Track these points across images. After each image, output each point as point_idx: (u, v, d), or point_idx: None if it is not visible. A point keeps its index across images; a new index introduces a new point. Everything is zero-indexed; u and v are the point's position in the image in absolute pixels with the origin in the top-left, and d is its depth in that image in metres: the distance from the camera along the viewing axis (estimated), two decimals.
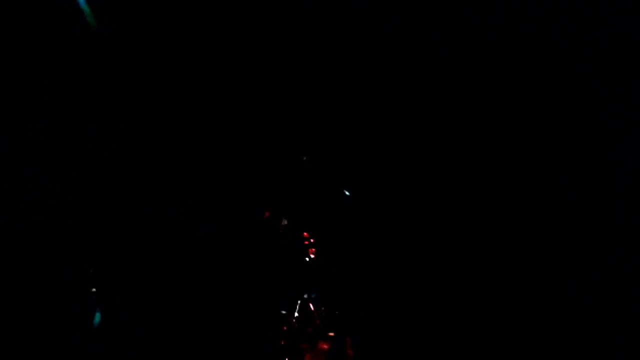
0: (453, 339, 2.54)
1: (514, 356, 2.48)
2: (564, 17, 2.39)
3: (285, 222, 2.77)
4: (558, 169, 2.58)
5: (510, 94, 2.59)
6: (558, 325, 2.48)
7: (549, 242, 2.56)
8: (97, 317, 2.22)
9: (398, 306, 2.65)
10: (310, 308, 2.85)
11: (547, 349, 2.46)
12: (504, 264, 2.59)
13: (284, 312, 2.74)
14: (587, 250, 2.51)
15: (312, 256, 2.77)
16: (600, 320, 2.45)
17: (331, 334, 2.74)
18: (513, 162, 2.63)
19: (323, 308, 2.85)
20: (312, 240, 2.78)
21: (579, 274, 2.51)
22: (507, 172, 2.64)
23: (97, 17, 2.42)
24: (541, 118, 2.58)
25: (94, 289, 2.24)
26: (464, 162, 2.68)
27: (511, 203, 2.63)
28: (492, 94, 2.61)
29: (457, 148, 2.68)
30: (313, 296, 2.89)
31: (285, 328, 2.67)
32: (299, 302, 2.80)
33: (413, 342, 2.57)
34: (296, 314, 2.78)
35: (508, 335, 2.50)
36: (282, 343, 2.55)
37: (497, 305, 2.56)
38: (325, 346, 2.67)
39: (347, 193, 2.66)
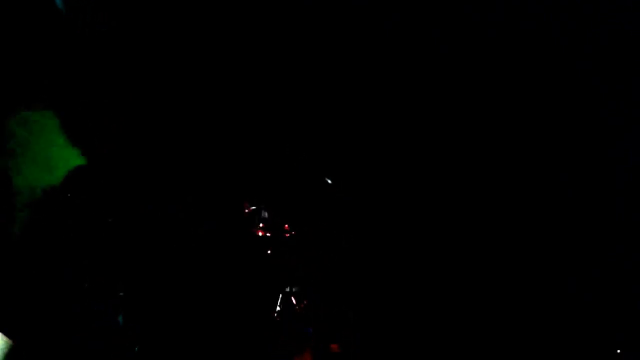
0: (446, 336, 2.54)
1: (514, 356, 2.48)
2: (563, 14, 2.40)
3: (265, 214, 2.75)
4: (558, 166, 2.58)
5: (510, 91, 2.60)
6: (558, 323, 2.48)
7: (548, 239, 2.56)
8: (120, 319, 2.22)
9: (383, 299, 2.64)
10: (292, 302, 2.83)
11: (548, 348, 2.46)
12: (503, 261, 2.59)
13: (265, 306, 2.72)
14: (586, 248, 2.52)
15: (291, 247, 2.74)
16: (600, 317, 2.46)
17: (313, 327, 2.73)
18: (513, 160, 2.64)
19: (305, 301, 2.83)
20: (293, 233, 2.75)
21: (579, 271, 2.51)
22: (507, 169, 2.64)
23: (67, 5, 2.41)
24: (541, 115, 2.58)
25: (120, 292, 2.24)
26: (462, 159, 2.68)
27: (511, 200, 2.63)
28: (492, 91, 2.61)
29: (456, 145, 2.69)
30: (294, 290, 2.86)
31: (267, 322, 2.66)
32: (280, 295, 2.78)
33: (401, 337, 2.56)
34: (278, 308, 2.76)
35: (507, 334, 2.50)
36: (265, 338, 2.53)
37: (495, 303, 2.56)
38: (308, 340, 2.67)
39: (329, 181, 2.64)
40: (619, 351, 2.42)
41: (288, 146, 2.70)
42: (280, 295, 2.77)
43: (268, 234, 2.71)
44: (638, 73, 2.40)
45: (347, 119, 2.77)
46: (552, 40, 2.47)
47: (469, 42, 2.52)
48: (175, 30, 2.56)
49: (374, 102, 2.73)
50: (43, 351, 2.09)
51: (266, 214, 2.76)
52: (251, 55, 2.64)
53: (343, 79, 2.71)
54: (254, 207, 2.71)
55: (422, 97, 2.68)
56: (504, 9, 2.43)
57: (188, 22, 2.57)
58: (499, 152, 2.65)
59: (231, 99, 2.67)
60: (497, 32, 2.48)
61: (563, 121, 2.56)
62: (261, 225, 2.75)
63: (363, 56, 2.62)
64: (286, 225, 2.75)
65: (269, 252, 2.71)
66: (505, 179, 2.64)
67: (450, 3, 2.46)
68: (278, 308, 2.70)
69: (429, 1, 2.48)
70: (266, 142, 2.70)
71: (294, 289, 2.79)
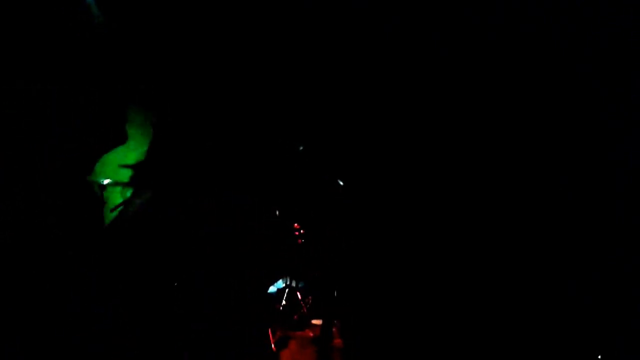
0: (446, 337, 2.54)
1: (514, 356, 2.48)
2: (564, 17, 2.39)
3: (277, 212, 2.77)
4: (558, 169, 2.58)
5: (510, 93, 2.59)
6: (558, 325, 2.47)
7: (549, 242, 2.56)
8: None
9: (387, 297, 2.64)
10: (297, 297, 2.88)
11: (548, 349, 2.46)
12: (503, 263, 2.59)
13: (271, 300, 2.77)
14: (587, 250, 2.51)
15: (300, 245, 2.78)
16: (600, 319, 2.45)
17: (318, 322, 2.76)
18: (513, 162, 2.63)
19: (310, 297, 2.88)
20: (302, 231, 2.79)
21: (579, 274, 2.50)
22: (507, 172, 2.64)
23: (102, 11, 2.41)
24: (541, 118, 2.58)
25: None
26: (463, 161, 2.68)
27: (511, 203, 2.63)
28: (492, 94, 2.61)
29: (457, 148, 2.68)
30: (300, 285, 2.92)
31: (272, 316, 2.70)
32: (286, 290, 2.84)
33: (405, 334, 2.56)
34: (283, 302, 2.82)
35: (507, 335, 2.50)
36: (270, 331, 2.55)
37: (496, 304, 2.55)
38: (311, 334, 2.69)
39: (341, 183, 2.65)
40: (618, 352, 2.41)
41: (289, 150, 2.70)
42: (268, 286, 2.81)
43: (273, 234, 2.74)
44: (638, 76, 2.40)
45: (348, 121, 2.77)
46: (552, 43, 2.46)
47: (469, 44, 2.52)
48: (179, 33, 2.57)
49: (376, 105, 2.74)
50: (43, 352, 2.10)
51: (272, 214, 2.78)
52: (254, 58, 2.64)
53: (343, 81, 2.72)
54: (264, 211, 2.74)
55: (422, 100, 2.68)
56: (504, 12, 2.43)
57: (192, 26, 2.57)
58: (499, 155, 2.65)
59: (237, 102, 2.67)
60: (497, 35, 2.48)
61: (563, 124, 2.56)
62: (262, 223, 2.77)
63: (364, 59, 2.63)
64: (296, 224, 2.78)
65: (270, 252, 2.73)
66: (506, 181, 2.63)
67: (450, 6, 2.46)
68: (284, 302, 2.73)
69: (429, 4, 2.48)
70: (271, 146, 2.71)
71: (299, 285, 2.83)
